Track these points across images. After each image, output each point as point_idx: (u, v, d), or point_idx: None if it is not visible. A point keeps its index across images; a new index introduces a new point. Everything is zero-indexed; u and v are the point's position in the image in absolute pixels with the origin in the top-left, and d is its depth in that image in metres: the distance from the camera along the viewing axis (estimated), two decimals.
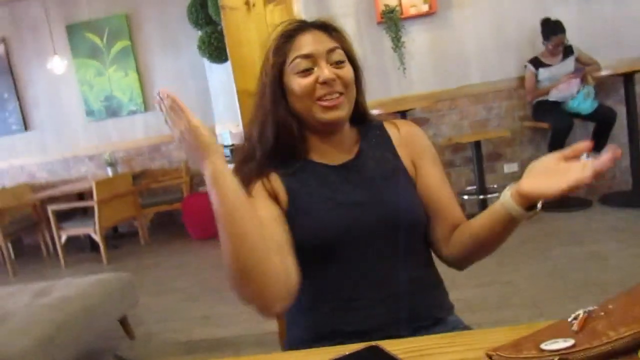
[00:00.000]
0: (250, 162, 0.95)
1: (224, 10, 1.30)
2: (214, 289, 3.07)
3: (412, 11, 3.77)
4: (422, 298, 0.92)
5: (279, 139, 0.93)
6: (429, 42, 3.85)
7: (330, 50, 0.91)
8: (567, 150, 0.75)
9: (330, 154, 0.97)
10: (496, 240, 0.88)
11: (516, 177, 3.90)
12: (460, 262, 0.97)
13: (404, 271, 0.92)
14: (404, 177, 0.97)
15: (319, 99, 0.90)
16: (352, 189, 0.94)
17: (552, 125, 3.43)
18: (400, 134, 1.02)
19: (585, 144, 0.73)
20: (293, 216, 0.91)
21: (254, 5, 1.31)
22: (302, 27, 0.93)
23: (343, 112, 0.92)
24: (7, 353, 1.68)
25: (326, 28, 0.94)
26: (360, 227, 0.90)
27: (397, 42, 3.79)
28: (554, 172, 0.74)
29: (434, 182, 0.98)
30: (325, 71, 0.89)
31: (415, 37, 3.84)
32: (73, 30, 5.10)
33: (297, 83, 0.90)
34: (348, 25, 3.83)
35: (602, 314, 0.57)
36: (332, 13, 3.81)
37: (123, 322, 2.45)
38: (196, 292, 3.11)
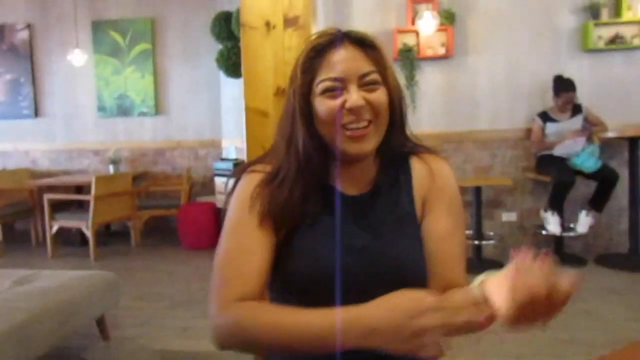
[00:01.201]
0: (272, 184, 0.86)
1: (243, 28, 1.33)
2: (198, 300, 3.04)
3: (429, 52, 3.84)
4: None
5: (301, 163, 0.84)
6: (442, 83, 3.91)
7: (365, 74, 0.81)
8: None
9: (348, 182, 0.89)
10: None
11: (513, 226, 3.91)
12: None
13: None
14: (412, 226, 0.88)
15: (344, 126, 0.80)
16: (357, 229, 0.86)
17: (555, 179, 3.44)
18: (424, 170, 0.91)
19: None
20: (288, 245, 0.85)
21: (274, 27, 1.34)
22: (335, 41, 0.83)
23: (369, 145, 0.83)
24: None
25: (363, 44, 0.83)
26: (355, 275, 0.82)
27: (411, 81, 3.84)
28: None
29: (439, 232, 0.87)
30: (353, 96, 0.79)
31: (429, 77, 3.89)
32: (98, 27, 5.21)
33: (323, 105, 0.81)
34: None
35: None
36: None
37: (100, 321, 2.42)
38: (179, 302, 3.07)
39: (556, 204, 3.49)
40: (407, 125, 0.92)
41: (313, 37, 0.86)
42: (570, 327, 2.48)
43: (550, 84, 3.61)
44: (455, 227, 0.89)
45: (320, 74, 0.82)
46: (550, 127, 3.58)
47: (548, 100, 3.69)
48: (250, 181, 0.87)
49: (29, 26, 5.32)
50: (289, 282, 0.86)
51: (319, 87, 0.82)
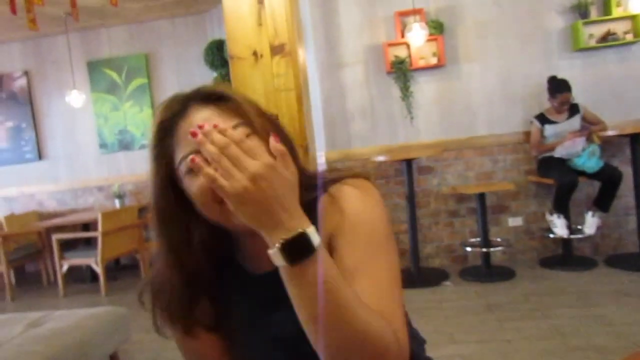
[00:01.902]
0: (171, 294, 0.75)
1: (232, 60, 1.37)
2: None
3: (421, 63, 3.88)
4: None
5: (192, 266, 0.73)
6: (436, 93, 3.94)
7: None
8: None
9: (252, 258, 0.77)
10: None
11: (520, 231, 3.88)
12: None
13: None
14: None
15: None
16: (276, 317, 0.74)
17: (557, 181, 3.43)
18: (332, 208, 0.73)
19: None
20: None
21: (261, 56, 1.37)
22: (181, 109, 0.72)
23: None
24: None
25: (213, 98, 0.72)
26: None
27: (406, 92, 3.88)
28: None
29: (345, 272, 0.66)
30: None
31: (424, 87, 3.93)
32: (93, 66, 5.30)
33: (193, 186, 0.68)
34: (358, 73, 3.94)
35: None
36: (343, 61, 3.94)
37: (113, 358, 2.41)
38: None
39: (561, 206, 3.47)
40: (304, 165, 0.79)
41: (157, 113, 0.73)
42: (583, 333, 2.45)
43: (544, 85, 3.63)
44: (366, 262, 0.68)
45: (177, 154, 0.70)
46: (549, 129, 3.58)
47: (544, 102, 3.70)
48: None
49: (26, 73, 5.42)
50: None
51: (180, 169, 0.69)
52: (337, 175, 0.78)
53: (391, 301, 0.67)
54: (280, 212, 0.58)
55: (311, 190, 0.76)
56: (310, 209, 0.67)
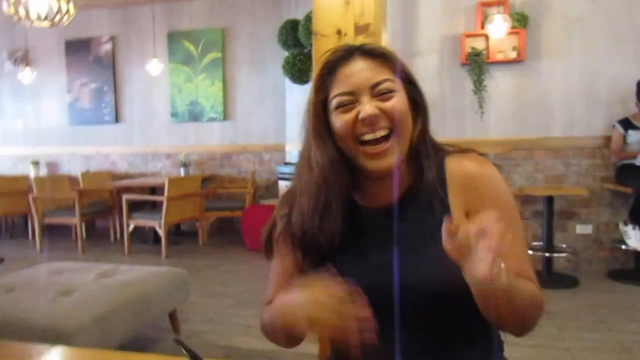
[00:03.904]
0: (292, 204, 0.88)
1: (315, 37, 1.37)
2: (259, 300, 3.10)
3: (499, 56, 3.72)
4: None
5: (319, 182, 0.83)
6: (512, 88, 3.77)
7: (376, 84, 0.79)
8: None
9: (374, 195, 0.85)
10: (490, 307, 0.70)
11: (588, 239, 3.68)
12: (502, 329, 0.83)
13: (439, 352, 0.80)
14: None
15: (363, 142, 0.79)
16: (385, 245, 0.82)
17: (637, 190, 3.20)
18: (461, 174, 0.83)
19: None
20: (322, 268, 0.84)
21: (345, 34, 1.37)
22: (345, 56, 0.82)
23: (390, 160, 0.79)
24: (66, 325, 1.81)
25: (374, 55, 0.82)
26: (386, 296, 0.78)
27: (479, 85, 3.74)
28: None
29: None
30: (365, 107, 0.78)
31: (499, 82, 3.77)
32: (173, 38, 5.52)
33: (338, 120, 0.80)
34: (431, 63, 3.84)
35: None
36: (417, 49, 3.85)
37: (172, 315, 2.55)
38: (243, 300, 3.18)
39: (638, 217, 3.24)
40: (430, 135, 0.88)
41: (325, 55, 0.85)
42: None
43: (633, 89, 3.37)
44: (514, 237, 0.78)
45: (333, 90, 0.81)
46: (633, 135, 3.34)
47: (630, 108, 3.44)
48: (280, 202, 0.92)
49: (112, 39, 5.74)
50: None
51: (332, 104, 0.81)
52: (458, 148, 0.89)
53: (528, 262, 0.81)
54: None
55: (434, 154, 0.85)
56: (432, 168, 0.82)
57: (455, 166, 0.84)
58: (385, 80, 0.79)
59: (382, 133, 0.78)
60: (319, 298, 0.67)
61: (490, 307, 0.69)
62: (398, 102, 0.79)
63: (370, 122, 0.78)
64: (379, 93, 0.79)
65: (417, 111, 0.84)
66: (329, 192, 0.82)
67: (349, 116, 0.79)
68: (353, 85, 0.79)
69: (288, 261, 0.88)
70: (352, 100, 0.79)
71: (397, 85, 0.80)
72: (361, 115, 0.78)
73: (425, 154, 0.84)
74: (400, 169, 0.82)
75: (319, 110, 0.83)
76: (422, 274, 0.77)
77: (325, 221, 0.82)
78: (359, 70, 0.80)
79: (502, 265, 0.63)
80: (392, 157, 0.79)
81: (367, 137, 0.78)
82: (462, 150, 0.88)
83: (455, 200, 0.81)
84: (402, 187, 0.85)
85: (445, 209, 0.80)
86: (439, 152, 0.87)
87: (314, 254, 0.85)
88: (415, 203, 0.83)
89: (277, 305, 0.78)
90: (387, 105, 0.78)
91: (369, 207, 0.86)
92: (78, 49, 5.81)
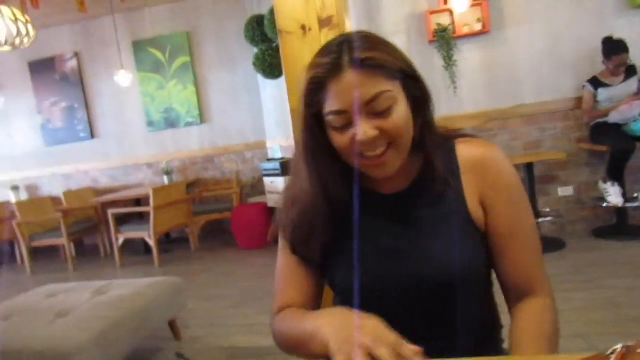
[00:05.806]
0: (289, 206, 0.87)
1: (281, 34, 1.38)
2: (258, 297, 3.15)
3: (465, 30, 3.75)
4: None
5: (310, 213, 0.82)
6: (481, 60, 3.82)
7: (372, 100, 0.72)
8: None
9: (384, 181, 0.83)
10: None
11: (571, 201, 3.77)
12: None
13: (444, 339, 0.80)
14: (459, 222, 0.80)
15: (361, 154, 0.75)
16: (395, 231, 0.82)
17: (612, 148, 3.29)
18: (473, 159, 0.83)
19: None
20: (329, 256, 0.84)
21: (309, 29, 1.38)
22: (333, 69, 0.73)
23: (392, 168, 0.78)
24: (65, 346, 1.81)
25: (366, 65, 0.72)
26: (395, 283, 0.79)
27: (449, 61, 3.77)
28: None
29: (503, 229, 0.81)
30: (362, 129, 0.72)
31: (468, 55, 3.81)
32: (138, 46, 5.44)
33: (335, 139, 0.77)
34: (399, 44, 3.83)
35: None
36: (384, 32, 3.86)
37: (172, 324, 2.57)
38: (241, 300, 3.20)
39: (616, 174, 3.33)
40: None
41: (311, 63, 0.77)
42: (639, 304, 2.38)
43: (598, 48, 3.44)
44: (521, 220, 0.81)
45: (325, 107, 0.75)
46: (603, 93, 3.41)
47: (598, 66, 3.51)
48: (281, 200, 0.91)
49: (76, 54, 5.64)
50: (338, 293, 0.87)
51: (327, 120, 0.76)
52: (462, 132, 0.89)
53: (541, 258, 0.85)
54: None
55: (439, 140, 0.84)
56: (442, 153, 0.82)
57: (466, 152, 0.83)
58: (382, 93, 0.72)
59: (382, 149, 0.75)
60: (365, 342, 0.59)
61: None
62: (398, 116, 0.74)
63: (369, 144, 0.74)
64: (376, 111, 0.73)
65: (418, 106, 0.79)
66: (314, 219, 0.82)
67: (346, 137, 0.75)
68: (346, 104, 0.72)
69: (293, 258, 0.87)
70: (346, 119, 0.74)
71: (395, 91, 0.74)
72: (358, 139, 0.73)
73: (432, 142, 0.82)
74: (407, 161, 0.80)
75: (312, 125, 0.78)
76: (433, 260, 0.77)
77: (313, 240, 0.83)
78: (351, 86, 0.72)
79: None
80: (394, 165, 0.77)
81: (367, 154, 0.75)
82: (470, 135, 0.88)
83: (468, 185, 0.81)
84: (413, 173, 0.84)
85: (458, 195, 0.81)
86: (448, 138, 0.86)
87: (318, 247, 0.85)
88: (426, 190, 0.82)
89: (304, 330, 0.73)
90: (387, 124, 0.73)
91: (376, 191, 0.85)
92: (43, 69, 5.70)
